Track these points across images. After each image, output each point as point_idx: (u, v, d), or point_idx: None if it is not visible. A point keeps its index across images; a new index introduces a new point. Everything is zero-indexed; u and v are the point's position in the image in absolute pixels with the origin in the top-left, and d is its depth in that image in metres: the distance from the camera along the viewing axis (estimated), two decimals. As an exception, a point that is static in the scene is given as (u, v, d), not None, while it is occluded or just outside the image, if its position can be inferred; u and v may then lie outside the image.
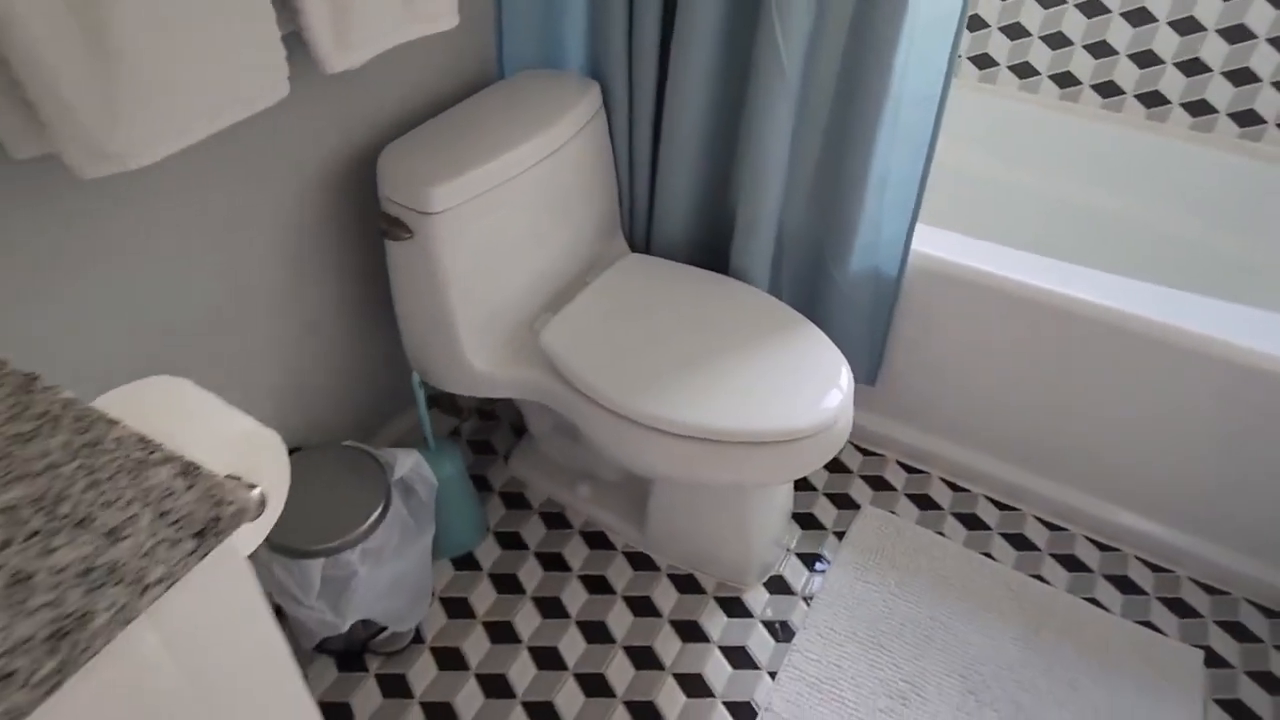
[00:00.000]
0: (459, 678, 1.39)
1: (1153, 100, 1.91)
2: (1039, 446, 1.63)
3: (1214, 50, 1.80)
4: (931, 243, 1.54)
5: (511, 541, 1.61)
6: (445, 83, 1.43)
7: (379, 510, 1.26)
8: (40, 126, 0.79)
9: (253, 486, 0.58)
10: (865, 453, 1.79)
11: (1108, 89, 1.94)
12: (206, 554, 0.45)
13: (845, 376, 1.32)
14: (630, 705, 1.37)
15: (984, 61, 2.05)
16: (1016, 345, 1.54)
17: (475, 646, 1.44)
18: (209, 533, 0.45)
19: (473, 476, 1.66)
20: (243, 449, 0.64)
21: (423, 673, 1.40)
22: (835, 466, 1.76)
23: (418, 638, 1.44)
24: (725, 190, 1.57)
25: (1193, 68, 1.83)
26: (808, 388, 1.30)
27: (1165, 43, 1.84)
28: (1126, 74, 1.91)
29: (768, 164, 1.43)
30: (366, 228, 1.38)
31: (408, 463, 1.33)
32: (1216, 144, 1.86)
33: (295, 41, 1.01)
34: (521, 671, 1.40)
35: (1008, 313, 1.51)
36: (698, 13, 1.35)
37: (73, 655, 0.40)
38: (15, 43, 0.71)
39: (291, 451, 1.25)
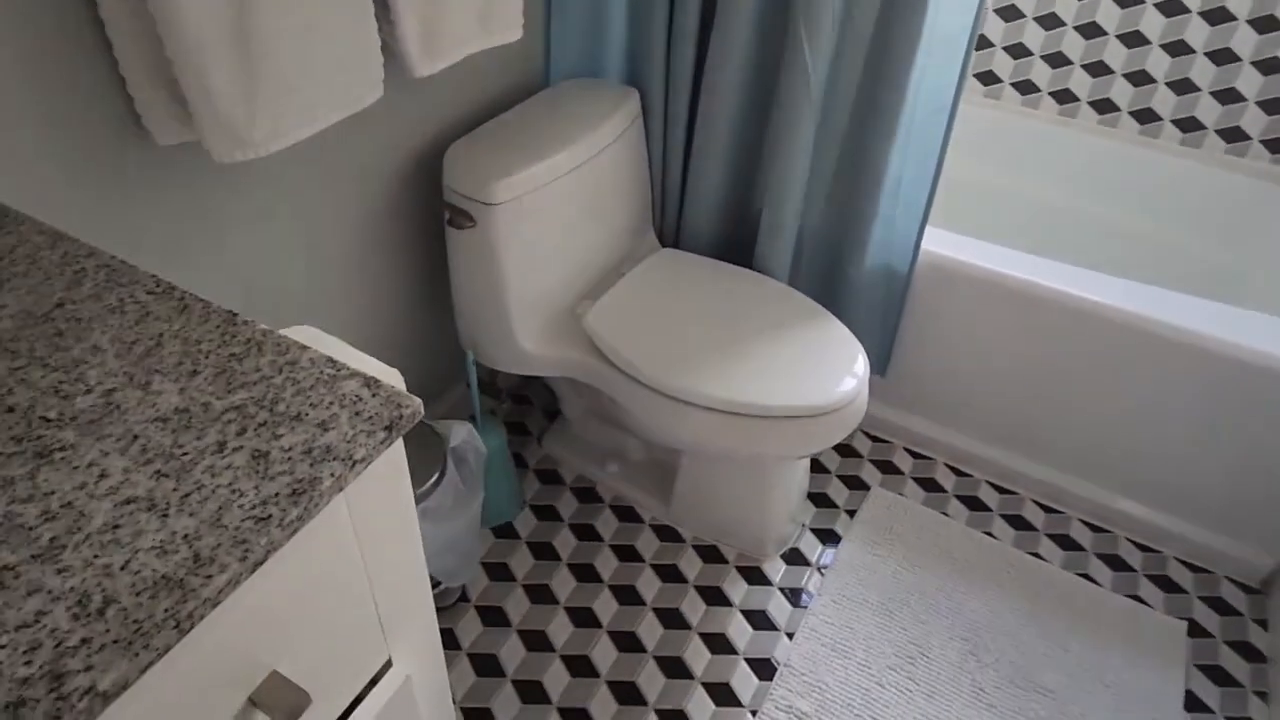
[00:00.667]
0: (502, 633, 1.52)
1: (1146, 117, 2.04)
2: (1037, 436, 1.75)
3: (1203, 71, 1.93)
4: (940, 243, 1.66)
5: (547, 513, 1.73)
6: (499, 89, 1.56)
7: (437, 474, 1.38)
8: (186, 117, 0.92)
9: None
10: (875, 439, 1.92)
11: (1104, 106, 2.08)
12: (392, 444, 0.58)
13: (861, 362, 1.45)
14: (660, 660, 1.49)
15: (988, 78, 2.18)
16: (1018, 340, 1.65)
17: (516, 606, 1.56)
18: (394, 428, 0.58)
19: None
20: (376, 383, 0.77)
21: (469, 627, 1.52)
22: (847, 451, 1.89)
23: (463, 596, 1.56)
24: (751, 192, 1.70)
25: (1183, 87, 1.97)
26: (826, 370, 1.43)
27: (1158, 63, 1.97)
28: (1121, 92, 2.04)
29: (792, 172, 1.56)
30: (426, 218, 1.51)
31: (461, 433, 1.46)
32: (1204, 159, 1.99)
33: (384, 51, 1.14)
34: (559, 629, 1.53)
35: (1010, 309, 1.62)
36: (732, 31, 1.49)
37: (309, 507, 0.52)
38: (181, 45, 0.84)
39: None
